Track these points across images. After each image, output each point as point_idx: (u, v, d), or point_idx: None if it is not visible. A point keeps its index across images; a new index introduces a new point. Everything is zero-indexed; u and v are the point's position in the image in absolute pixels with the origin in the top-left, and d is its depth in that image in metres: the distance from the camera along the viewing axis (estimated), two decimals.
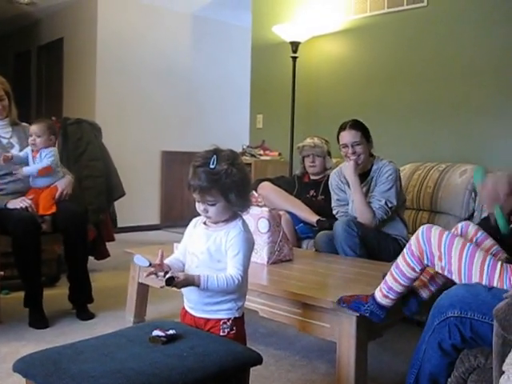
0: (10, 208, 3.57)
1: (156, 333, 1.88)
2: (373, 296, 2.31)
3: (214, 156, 1.96)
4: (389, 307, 2.28)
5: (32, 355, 1.79)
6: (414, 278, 2.21)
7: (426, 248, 2.12)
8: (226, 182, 1.94)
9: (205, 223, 2.12)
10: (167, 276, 1.93)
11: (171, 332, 1.88)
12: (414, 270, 2.18)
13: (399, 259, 2.24)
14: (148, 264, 2.01)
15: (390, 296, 2.26)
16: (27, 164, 3.80)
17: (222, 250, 2.03)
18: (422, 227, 2.18)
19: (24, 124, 4.06)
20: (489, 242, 2.28)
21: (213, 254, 2.04)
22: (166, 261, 2.16)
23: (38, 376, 1.67)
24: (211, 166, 1.94)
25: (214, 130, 8.42)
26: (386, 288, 2.27)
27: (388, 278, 2.28)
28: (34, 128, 3.82)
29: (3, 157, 3.68)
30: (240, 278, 1.98)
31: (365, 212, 3.61)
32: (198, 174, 1.96)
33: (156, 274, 2.00)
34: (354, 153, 3.66)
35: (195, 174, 1.97)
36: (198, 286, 1.96)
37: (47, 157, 3.80)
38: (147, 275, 2.05)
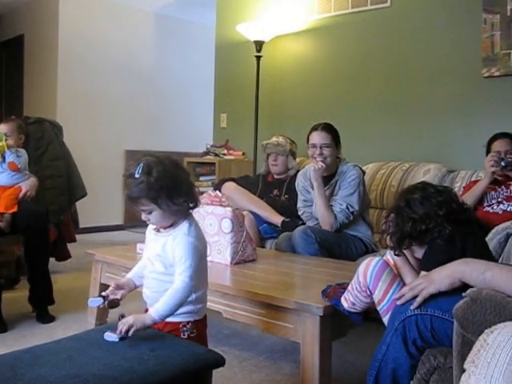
0: None
1: (108, 334, 1.86)
2: None
3: (141, 165, 1.92)
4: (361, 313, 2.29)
5: None
6: (370, 302, 2.21)
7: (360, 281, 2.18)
8: (150, 192, 1.91)
9: (156, 228, 2.09)
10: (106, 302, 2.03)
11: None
12: (369, 298, 2.19)
13: (352, 284, 2.24)
14: (102, 301, 2.03)
15: (357, 308, 2.26)
16: None
17: (169, 256, 2.00)
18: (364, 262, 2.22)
19: None
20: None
21: (163, 260, 2.02)
22: (131, 273, 2.16)
23: None
24: (136, 176, 1.91)
25: (178, 129, 8.38)
26: (350, 302, 2.27)
27: (349, 293, 2.27)
28: (2, 127, 3.77)
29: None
30: (184, 286, 1.93)
31: (326, 216, 3.63)
32: (127, 184, 1.95)
33: (113, 301, 2.04)
34: (320, 154, 3.67)
35: (125, 185, 1.96)
36: (154, 321, 1.92)
37: (19, 156, 3.76)
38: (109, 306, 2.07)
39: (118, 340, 1.84)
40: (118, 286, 2.08)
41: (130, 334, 1.85)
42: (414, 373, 1.86)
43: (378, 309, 2.17)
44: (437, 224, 2.02)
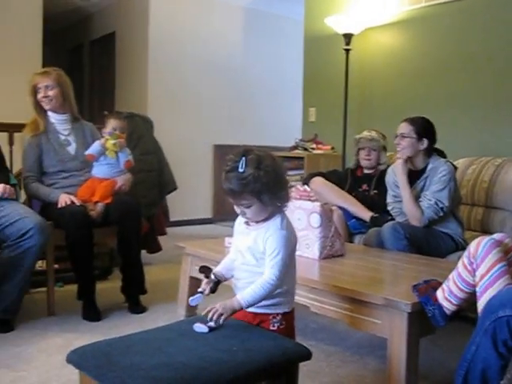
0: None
1: (197, 325, 1.91)
2: None
3: (243, 159, 1.93)
4: (450, 313, 2.27)
5: (84, 347, 1.82)
6: (474, 284, 2.17)
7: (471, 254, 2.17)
8: (255, 186, 1.92)
9: (246, 222, 2.11)
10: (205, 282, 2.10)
11: (211, 324, 1.91)
12: (471, 273, 2.16)
13: (459, 262, 2.22)
14: (202, 296, 2.08)
15: (452, 300, 2.24)
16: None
17: (260, 247, 2.02)
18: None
19: (85, 122, 4.11)
20: None
21: (254, 253, 2.04)
22: (220, 266, 2.19)
23: (90, 368, 1.70)
24: (240, 170, 1.92)
25: (266, 124, 8.44)
26: (448, 290, 2.25)
27: (449, 281, 2.26)
28: (118, 123, 3.92)
29: (87, 156, 3.85)
30: (274, 279, 1.96)
31: (413, 211, 3.59)
32: (228, 178, 1.95)
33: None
34: (398, 144, 3.70)
35: (226, 179, 1.96)
36: (241, 308, 1.98)
37: (130, 154, 3.94)
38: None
39: (207, 331, 1.88)
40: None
41: (221, 321, 1.92)
42: (504, 373, 1.82)
43: (477, 288, 2.12)
44: None
